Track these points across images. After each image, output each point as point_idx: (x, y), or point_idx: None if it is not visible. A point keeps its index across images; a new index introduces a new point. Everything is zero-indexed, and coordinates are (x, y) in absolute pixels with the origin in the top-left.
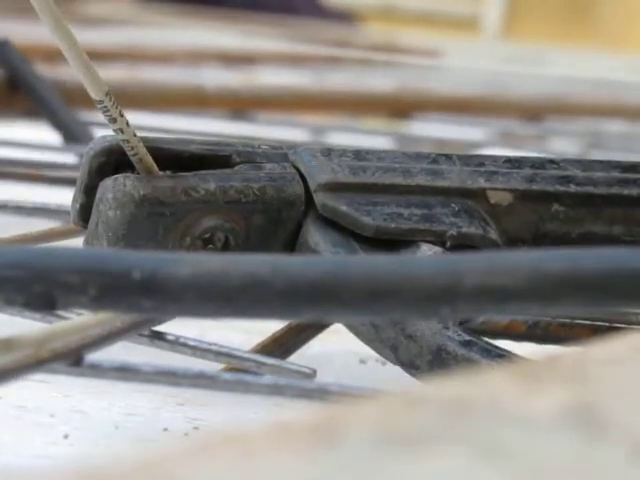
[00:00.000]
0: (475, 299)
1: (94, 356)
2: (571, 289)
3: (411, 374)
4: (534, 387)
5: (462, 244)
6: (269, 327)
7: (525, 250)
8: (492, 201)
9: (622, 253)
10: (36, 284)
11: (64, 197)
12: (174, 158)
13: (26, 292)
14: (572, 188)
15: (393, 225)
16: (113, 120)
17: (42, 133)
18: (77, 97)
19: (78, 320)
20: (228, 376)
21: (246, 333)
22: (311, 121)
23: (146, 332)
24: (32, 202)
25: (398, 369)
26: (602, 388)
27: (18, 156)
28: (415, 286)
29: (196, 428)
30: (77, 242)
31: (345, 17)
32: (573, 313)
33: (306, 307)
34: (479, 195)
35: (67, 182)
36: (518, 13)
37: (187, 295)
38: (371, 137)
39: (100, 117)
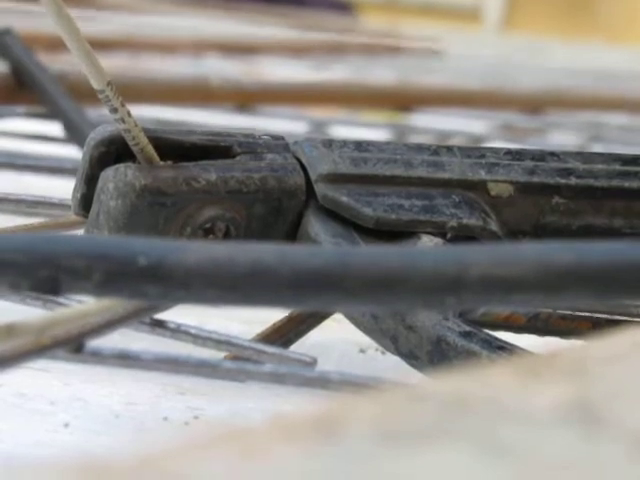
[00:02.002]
0: (480, 290)
1: (95, 343)
2: (576, 281)
3: (411, 364)
4: (534, 383)
5: (462, 235)
6: (269, 318)
7: (531, 242)
8: (493, 193)
9: (627, 246)
10: (41, 269)
11: (66, 189)
12: (175, 148)
13: (31, 276)
14: (573, 180)
15: (394, 216)
16: (114, 110)
17: (45, 124)
18: (80, 89)
19: (79, 307)
20: (229, 364)
21: (246, 323)
22: (313, 114)
23: (147, 320)
24: (33, 195)
25: (397, 358)
26: (602, 384)
27: (21, 148)
28: (421, 276)
29: (196, 417)
30: (78, 233)
31: (347, 9)
32: (577, 305)
33: (311, 295)
34: (480, 187)
35: (69, 173)
36: (519, 5)
37: (192, 282)
38: (372, 130)
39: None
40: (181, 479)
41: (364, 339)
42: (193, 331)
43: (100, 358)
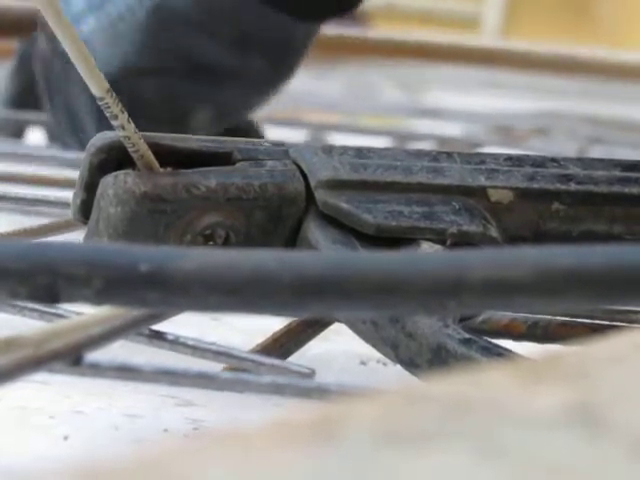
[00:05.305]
0: (482, 293)
1: (94, 356)
2: (576, 284)
3: (411, 372)
4: (535, 386)
5: (462, 242)
6: (269, 328)
7: (531, 246)
8: (493, 199)
9: (627, 249)
10: (40, 276)
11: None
12: (175, 155)
13: (30, 284)
14: (573, 186)
15: (394, 223)
16: (114, 117)
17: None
18: None
19: (77, 319)
20: (228, 375)
21: (246, 334)
22: (312, 120)
23: (146, 331)
24: (32, 193)
25: (399, 370)
26: (603, 386)
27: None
28: (422, 280)
29: (196, 429)
30: (77, 235)
31: (359, 19)
32: (578, 309)
33: (313, 301)
34: (480, 193)
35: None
36: (519, 12)
37: (193, 288)
38: (371, 137)
39: None
40: None
41: (365, 351)
42: (191, 342)
43: (99, 370)
